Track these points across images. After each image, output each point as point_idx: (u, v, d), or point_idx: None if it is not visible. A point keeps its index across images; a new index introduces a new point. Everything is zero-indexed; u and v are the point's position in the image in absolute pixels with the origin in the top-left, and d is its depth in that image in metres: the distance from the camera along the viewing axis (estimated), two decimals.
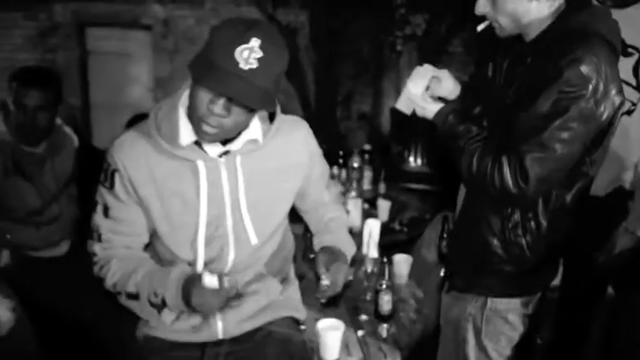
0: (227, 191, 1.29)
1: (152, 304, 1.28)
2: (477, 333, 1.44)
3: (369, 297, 1.82)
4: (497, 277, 1.38)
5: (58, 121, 2.19)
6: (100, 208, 1.30)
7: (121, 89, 6.69)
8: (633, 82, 1.72)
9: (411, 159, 4.99)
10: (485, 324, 1.42)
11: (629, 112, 1.75)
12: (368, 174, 3.11)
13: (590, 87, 1.17)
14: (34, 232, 2.13)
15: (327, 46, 5.95)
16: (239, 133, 1.25)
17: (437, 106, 1.42)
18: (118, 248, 1.32)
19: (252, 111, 1.18)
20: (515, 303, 1.41)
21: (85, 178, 2.32)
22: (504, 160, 1.23)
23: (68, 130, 2.29)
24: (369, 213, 2.70)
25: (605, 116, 1.22)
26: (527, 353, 1.91)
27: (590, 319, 2.06)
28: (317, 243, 1.48)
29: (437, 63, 5.33)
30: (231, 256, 1.33)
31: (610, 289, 2.28)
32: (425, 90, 1.45)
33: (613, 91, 1.21)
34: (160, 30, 6.57)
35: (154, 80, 6.71)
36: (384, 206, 2.73)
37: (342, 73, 6.41)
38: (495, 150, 1.26)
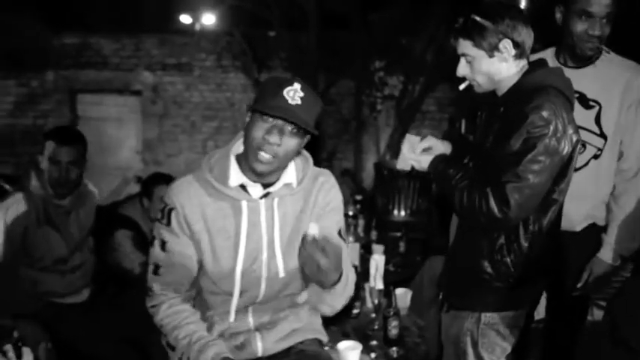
0: (264, 229, 1.50)
1: None
2: (475, 345, 1.64)
3: (377, 326, 2.00)
4: (489, 293, 1.61)
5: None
6: (157, 243, 1.50)
7: (110, 152, 6.85)
8: (597, 130, 1.97)
9: (395, 211, 5.22)
10: (481, 337, 1.63)
11: (595, 157, 1.98)
12: (361, 222, 3.34)
13: (551, 127, 1.46)
14: (59, 279, 2.27)
15: None
16: (278, 179, 1.49)
17: (429, 158, 1.70)
18: (171, 291, 1.49)
19: (298, 142, 1.41)
20: (505, 316, 1.63)
21: (97, 228, 2.51)
22: (489, 192, 1.49)
23: (90, 184, 2.49)
24: (365, 257, 2.90)
25: (566, 150, 1.50)
26: None
27: (574, 345, 2.24)
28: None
29: (412, 121, 5.63)
30: (262, 288, 1.52)
31: (590, 317, 2.48)
32: (415, 149, 1.73)
33: (570, 131, 1.50)
34: (149, 95, 6.83)
35: (143, 143, 6.90)
36: (379, 249, 2.93)
37: (325, 132, 6.71)
38: (480, 184, 1.52)
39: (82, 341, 2.20)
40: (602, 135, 1.96)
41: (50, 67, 6.73)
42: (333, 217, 1.59)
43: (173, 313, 1.48)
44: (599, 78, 1.96)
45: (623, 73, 1.96)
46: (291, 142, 1.40)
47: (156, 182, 2.72)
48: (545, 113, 1.46)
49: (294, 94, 1.36)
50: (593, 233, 2.06)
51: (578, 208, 1.97)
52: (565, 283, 2.08)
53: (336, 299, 1.46)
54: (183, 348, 1.44)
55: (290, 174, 1.53)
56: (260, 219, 1.49)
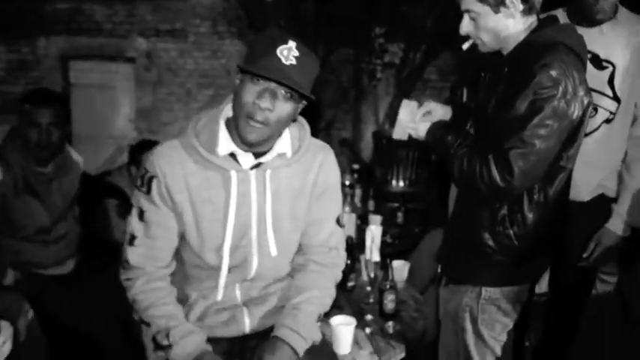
0: (255, 203, 1.38)
1: (155, 341, 1.36)
2: (474, 322, 1.55)
3: (372, 299, 1.92)
4: (490, 267, 1.50)
5: (66, 143, 2.28)
6: (135, 212, 1.39)
7: (103, 120, 6.73)
8: (610, 92, 1.86)
9: (394, 181, 5.14)
10: (480, 313, 1.54)
11: (608, 121, 1.88)
12: (358, 192, 3.25)
13: (561, 88, 1.33)
14: (42, 250, 2.19)
15: None
16: (271, 148, 1.37)
17: (427, 125, 1.59)
18: (147, 265, 1.39)
19: (293, 108, 1.30)
20: (507, 291, 1.53)
21: (83, 198, 2.41)
22: (491, 159, 1.38)
23: (74, 152, 2.38)
24: (361, 228, 2.81)
25: (576, 114, 1.38)
26: (517, 356, 2.02)
27: (579, 317, 2.17)
28: (277, 324, 1.43)
29: (413, 89, 5.52)
30: (254, 265, 1.42)
31: (594, 290, 2.41)
32: (413, 116, 1.62)
33: (581, 92, 1.38)
34: (143, 62, 6.67)
35: (137, 111, 6.77)
36: (376, 220, 2.85)
37: (324, 101, 6.58)
38: (482, 151, 1.41)
39: (65, 314, 2.12)
40: (616, 98, 1.85)
41: (41, 33, 6.55)
42: (332, 200, 1.49)
43: (149, 290, 1.38)
44: (614, 37, 1.84)
45: (637, 31, 1.85)
46: (284, 108, 1.28)
47: (143, 149, 2.61)
48: (554, 72, 1.33)
49: (288, 53, 1.23)
50: (603, 204, 1.96)
51: (587, 177, 1.87)
52: (570, 255, 1.99)
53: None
54: (160, 327, 1.35)
55: (284, 143, 1.40)
56: (250, 191, 1.38)
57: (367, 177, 4.19)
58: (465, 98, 5.06)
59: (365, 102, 6.77)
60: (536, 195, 1.44)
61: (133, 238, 1.39)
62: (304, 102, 1.35)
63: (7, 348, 1.28)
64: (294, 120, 1.40)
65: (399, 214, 3.17)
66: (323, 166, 1.46)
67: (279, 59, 1.22)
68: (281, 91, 1.26)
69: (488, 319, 1.53)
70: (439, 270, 1.66)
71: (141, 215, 1.37)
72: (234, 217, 1.37)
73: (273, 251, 1.42)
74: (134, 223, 1.39)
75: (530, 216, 1.45)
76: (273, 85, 1.25)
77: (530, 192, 1.44)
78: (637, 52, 1.84)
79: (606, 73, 1.85)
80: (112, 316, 2.16)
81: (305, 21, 5.93)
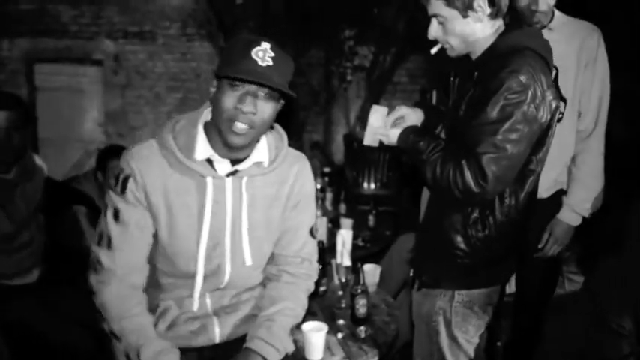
0: (230, 210, 1.37)
1: (128, 358, 1.33)
2: (448, 324, 1.56)
3: (344, 304, 1.91)
4: (462, 271, 1.52)
5: (28, 149, 2.22)
6: (109, 213, 1.34)
7: (70, 124, 6.60)
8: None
9: (365, 183, 5.16)
10: (454, 315, 1.55)
11: (558, 120, 1.95)
12: (329, 195, 3.24)
13: (530, 93, 1.35)
14: (5, 259, 2.12)
15: None
16: (248, 156, 1.36)
17: (398, 131, 1.59)
18: (121, 268, 1.35)
19: (274, 107, 1.30)
20: (479, 294, 1.55)
21: (47, 205, 2.35)
22: (464, 164, 1.39)
23: (37, 158, 2.32)
24: (332, 232, 2.81)
25: (545, 118, 1.40)
26: (489, 356, 2.05)
27: (544, 312, 2.22)
28: (250, 335, 1.42)
29: (383, 92, 5.57)
30: (227, 274, 1.41)
31: (562, 290, 2.46)
32: (384, 122, 1.62)
33: (549, 96, 1.41)
34: (111, 65, 6.55)
35: (105, 115, 6.65)
36: (347, 224, 2.85)
37: (294, 104, 6.57)
38: (454, 156, 1.41)
39: (31, 324, 2.06)
40: (562, 98, 1.92)
41: (5, 34, 6.38)
42: (306, 211, 1.49)
43: (120, 296, 1.34)
44: (555, 41, 1.89)
45: (577, 33, 1.96)
46: (266, 108, 1.28)
47: (110, 156, 2.55)
48: (522, 77, 1.35)
49: (263, 54, 1.24)
50: (558, 198, 2.06)
51: (545, 174, 1.92)
52: (531, 250, 2.07)
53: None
54: (130, 344, 1.31)
55: (261, 152, 1.40)
56: (225, 199, 1.36)
57: (338, 180, 4.20)
58: (434, 101, 5.12)
59: (336, 105, 6.78)
60: (508, 198, 1.46)
61: (108, 239, 1.34)
62: (282, 102, 1.35)
63: None
64: (272, 128, 1.41)
65: (371, 217, 3.18)
66: (298, 176, 1.46)
67: (255, 61, 1.23)
68: (261, 93, 1.26)
69: (462, 322, 1.55)
70: (411, 274, 1.67)
71: (116, 216, 1.34)
72: (209, 224, 1.35)
73: (248, 260, 1.40)
74: (109, 225, 1.34)
75: (501, 219, 1.47)
76: (253, 87, 1.25)
77: (502, 196, 1.46)
78: (576, 53, 1.95)
79: (552, 74, 1.92)
80: (80, 326, 2.12)
81: (275, 23, 5.92)
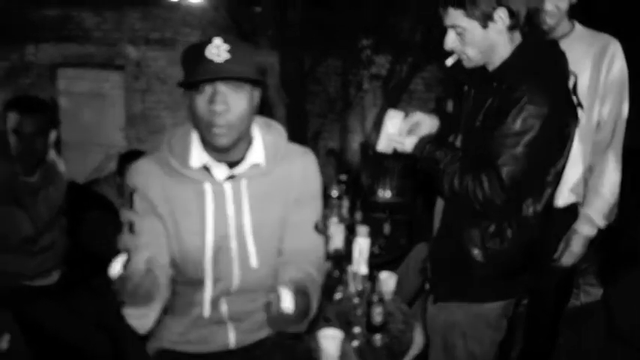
0: (232, 214, 1.38)
1: None
2: (463, 337, 1.56)
3: (360, 312, 1.92)
4: (479, 283, 1.52)
5: (51, 152, 2.27)
6: (125, 229, 1.34)
7: (92, 128, 6.70)
8: (575, 101, 1.94)
9: (381, 191, 5.17)
10: (470, 328, 1.55)
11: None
12: (346, 203, 3.25)
13: (551, 105, 1.36)
14: (27, 260, 2.16)
15: (296, 85, 6.13)
16: (243, 158, 1.37)
17: (414, 139, 1.59)
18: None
19: (247, 98, 1.27)
20: (495, 307, 1.55)
21: (69, 208, 2.39)
22: (484, 176, 1.39)
23: (60, 161, 2.37)
24: (349, 239, 2.82)
25: (565, 130, 1.41)
26: None
27: (557, 323, 2.21)
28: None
29: (399, 101, 5.56)
30: (236, 278, 1.41)
31: (579, 302, 2.45)
32: (399, 128, 1.63)
33: (569, 109, 1.42)
34: (132, 70, 6.65)
35: (126, 119, 6.75)
36: (363, 231, 2.85)
37: (311, 112, 6.60)
38: (473, 168, 1.42)
39: (51, 326, 2.10)
40: (580, 105, 1.92)
41: (30, 40, 6.51)
42: (310, 206, 1.47)
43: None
44: (573, 50, 1.91)
45: (594, 43, 1.96)
46: (238, 102, 1.26)
47: (128, 160, 2.60)
48: (544, 90, 1.36)
49: (217, 50, 1.22)
50: (574, 209, 2.04)
51: (561, 183, 1.92)
52: (546, 261, 2.04)
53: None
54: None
55: (257, 153, 1.39)
56: (226, 203, 1.37)
57: (354, 187, 4.21)
58: (449, 109, 5.12)
59: (352, 113, 6.81)
60: (526, 210, 1.47)
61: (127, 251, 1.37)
62: (259, 90, 1.34)
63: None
64: (255, 114, 1.37)
65: (386, 225, 3.18)
66: (301, 171, 1.45)
67: (211, 60, 1.21)
68: (228, 88, 1.24)
69: (478, 335, 1.55)
70: (426, 286, 1.67)
71: (130, 228, 1.35)
72: (213, 230, 1.37)
73: (254, 262, 1.41)
74: (126, 239, 1.35)
75: (519, 231, 1.47)
76: (217, 85, 1.23)
77: (520, 207, 1.46)
78: (596, 63, 1.96)
79: (570, 83, 1.92)
80: (97, 328, 2.15)
81: (293, 31, 5.96)
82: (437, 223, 1.65)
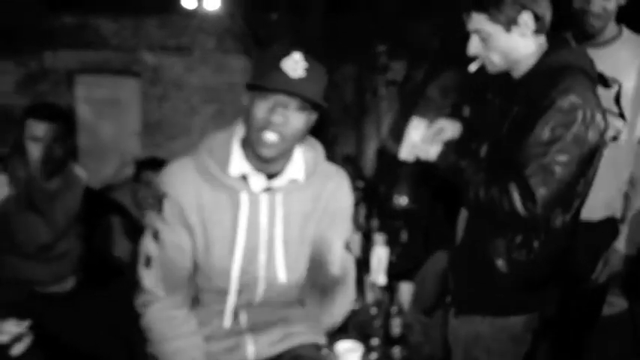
0: (264, 227, 1.35)
1: None
2: (487, 352, 1.51)
3: (378, 323, 1.88)
4: (503, 296, 1.47)
5: (69, 159, 2.26)
6: (149, 233, 1.36)
7: (109, 135, 6.75)
8: (616, 110, 1.84)
9: (398, 198, 5.11)
10: (494, 342, 1.50)
11: (614, 139, 1.83)
12: (362, 210, 3.21)
13: (580, 113, 1.31)
14: (43, 267, 2.15)
15: None
16: (282, 171, 1.35)
17: (438, 148, 1.55)
18: (163, 290, 1.35)
19: (305, 120, 1.27)
20: (520, 319, 1.50)
21: (86, 214, 2.39)
22: (511, 187, 1.35)
23: (78, 168, 2.36)
24: (365, 247, 2.78)
25: (594, 139, 1.36)
26: None
27: (587, 339, 2.14)
28: None
29: (415, 107, 5.53)
30: (260, 291, 1.39)
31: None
32: (423, 136, 1.59)
33: (598, 117, 1.36)
34: (149, 77, 6.71)
35: (142, 126, 6.79)
36: (380, 240, 2.81)
37: (326, 118, 6.59)
38: (500, 178, 1.38)
39: (66, 333, 2.08)
40: (622, 116, 1.84)
41: (48, 47, 6.59)
42: (341, 226, 1.45)
43: (162, 319, 1.35)
44: (617, 57, 1.85)
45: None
46: (297, 120, 1.26)
47: (144, 167, 2.59)
48: (573, 98, 1.31)
49: (294, 65, 1.22)
50: (611, 225, 1.95)
51: (594, 194, 1.85)
52: (578, 276, 1.96)
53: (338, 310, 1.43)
54: None
55: (297, 168, 1.37)
56: (259, 215, 1.35)
57: (371, 194, 4.17)
58: (466, 115, 5.06)
59: (368, 119, 6.78)
60: (554, 221, 1.42)
61: (148, 260, 1.35)
62: (316, 114, 1.33)
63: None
64: (304, 136, 1.36)
65: (403, 233, 3.13)
66: (335, 191, 1.43)
67: (285, 73, 1.21)
68: (292, 104, 1.24)
69: (502, 349, 1.50)
70: (448, 298, 1.63)
71: (155, 236, 1.35)
72: (244, 241, 1.34)
73: (282, 277, 1.39)
74: (149, 245, 1.36)
75: (547, 243, 1.42)
76: (283, 98, 1.23)
77: (548, 218, 1.41)
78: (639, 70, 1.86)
79: (613, 91, 1.84)
80: (113, 335, 2.13)
81: (310, 38, 5.96)
82: (459, 233, 1.61)
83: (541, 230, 1.42)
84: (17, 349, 1.61)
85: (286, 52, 1.23)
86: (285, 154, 1.32)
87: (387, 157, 5.33)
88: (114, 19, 6.64)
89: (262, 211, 1.35)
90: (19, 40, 6.35)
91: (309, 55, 1.25)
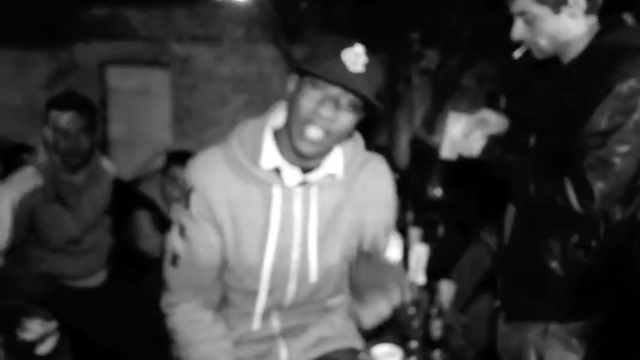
0: (298, 223, 1.26)
1: None
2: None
3: (417, 324, 1.78)
4: (557, 301, 1.36)
5: (96, 151, 2.21)
6: (175, 228, 1.27)
7: (139, 125, 6.77)
8: None
9: (431, 189, 4.99)
10: (547, 350, 1.39)
11: None
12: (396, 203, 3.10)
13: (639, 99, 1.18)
14: (72, 262, 2.12)
15: None
16: (319, 164, 1.24)
17: (481, 142, 1.44)
18: (190, 290, 1.28)
19: (354, 119, 1.17)
20: (576, 326, 1.39)
21: (115, 207, 2.34)
22: (565, 182, 1.23)
23: (105, 160, 2.32)
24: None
25: None
26: None
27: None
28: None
29: (449, 96, 5.37)
30: (291, 291, 1.30)
31: None
32: (465, 131, 1.48)
33: None
34: (178, 68, 6.68)
35: (172, 116, 6.80)
36: (415, 234, 2.70)
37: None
38: (552, 172, 1.26)
39: (95, 329, 2.05)
40: None
41: (79, 39, 6.63)
42: (380, 213, 1.34)
43: (188, 321, 1.27)
44: None
45: None
46: (346, 119, 1.14)
47: (174, 161, 2.53)
48: (633, 82, 1.18)
49: (355, 58, 1.09)
50: None
51: None
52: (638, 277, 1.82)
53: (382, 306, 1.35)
54: None
55: (335, 162, 1.26)
56: (293, 210, 1.24)
57: (404, 187, 4.05)
58: (503, 106, 4.88)
59: (400, 109, 6.63)
60: (613, 218, 1.29)
61: (175, 258, 1.27)
62: (363, 114, 1.21)
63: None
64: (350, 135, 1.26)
65: (439, 227, 3.02)
66: (371, 175, 1.32)
67: (344, 65, 1.09)
68: (345, 100, 1.12)
69: (555, 357, 1.39)
70: (497, 303, 1.51)
71: (182, 232, 1.26)
72: (276, 239, 1.25)
73: (313, 277, 1.29)
74: (175, 241, 1.27)
75: (606, 242, 1.30)
76: (336, 92, 1.12)
77: (606, 215, 1.29)
78: None
79: None
80: (142, 331, 2.09)
81: (340, 26, 5.84)
82: (507, 233, 1.49)
83: (599, 228, 1.30)
84: (43, 349, 1.57)
85: (348, 43, 1.11)
86: (325, 152, 1.21)
87: (420, 148, 5.20)
88: (142, 10, 6.65)
89: (296, 207, 1.25)
90: (50, 33, 6.41)
91: (370, 50, 1.13)
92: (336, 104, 1.12)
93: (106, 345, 2.03)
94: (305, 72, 1.13)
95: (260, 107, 6.38)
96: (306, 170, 1.24)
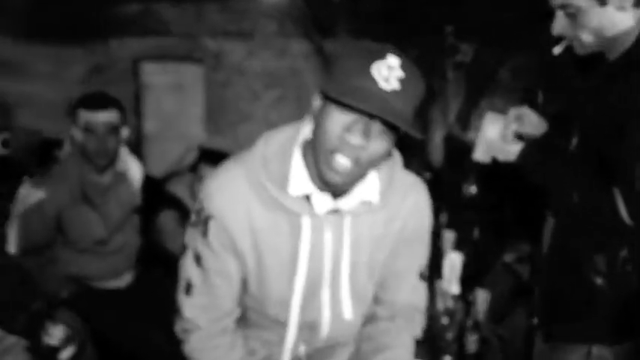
0: (329, 256, 1.15)
1: None
2: None
3: (450, 336, 1.70)
4: (603, 321, 1.27)
5: (124, 150, 2.19)
6: (190, 254, 1.17)
7: (173, 121, 6.83)
8: None
9: (465, 187, 4.86)
10: None
11: None
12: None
13: None
14: (99, 262, 2.11)
15: None
16: (351, 190, 1.12)
17: (518, 146, 1.35)
18: (204, 318, 1.19)
19: (389, 145, 1.02)
20: (623, 349, 1.29)
21: (144, 206, 2.32)
22: (616, 191, 1.14)
23: (132, 159, 2.30)
24: (435, 245, 2.59)
25: None
26: None
27: None
28: None
29: (484, 91, 5.22)
30: (324, 330, 1.22)
31: None
32: (501, 134, 1.39)
33: None
34: (211, 63, 6.71)
35: (205, 112, 6.83)
36: (448, 238, 2.61)
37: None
38: (599, 180, 1.17)
39: (121, 330, 2.03)
40: None
41: (113, 35, 6.71)
42: (419, 251, 1.24)
43: (204, 348, 1.19)
44: None
45: None
46: (380, 146, 0.99)
47: (205, 159, 2.50)
48: None
49: (388, 73, 0.93)
50: None
51: None
52: None
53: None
54: None
55: (370, 187, 1.13)
56: (324, 242, 1.13)
57: (439, 186, 3.94)
58: (541, 102, 4.70)
59: (434, 104, 6.51)
60: None
61: (189, 286, 1.17)
62: (398, 135, 1.05)
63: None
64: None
65: (475, 230, 2.91)
66: (413, 209, 1.19)
67: (376, 82, 0.93)
68: (377, 125, 0.97)
69: None
70: (534, 321, 1.42)
71: (198, 260, 1.15)
72: (305, 272, 1.14)
73: (348, 314, 1.20)
74: (190, 269, 1.17)
75: None
76: (366, 115, 0.96)
77: None
78: None
79: None
80: (170, 334, 2.06)
81: (372, 19, 5.76)
82: (545, 244, 1.39)
83: None
84: (65, 354, 1.55)
85: (379, 54, 0.94)
86: (355, 181, 1.08)
87: (455, 145, 5.08)
88: (175, 5, 6.70)
89: (327, 238, 1.14)
90: (85, 30, 6.50)
91: (406, 58, 0.97)
92: (366, 130, 0.96)
93: (129, 347, 2.01)
94: (330, 94, 0.97)
95: (292, 102, 6.38)
96: (336, 195, 1.12)
